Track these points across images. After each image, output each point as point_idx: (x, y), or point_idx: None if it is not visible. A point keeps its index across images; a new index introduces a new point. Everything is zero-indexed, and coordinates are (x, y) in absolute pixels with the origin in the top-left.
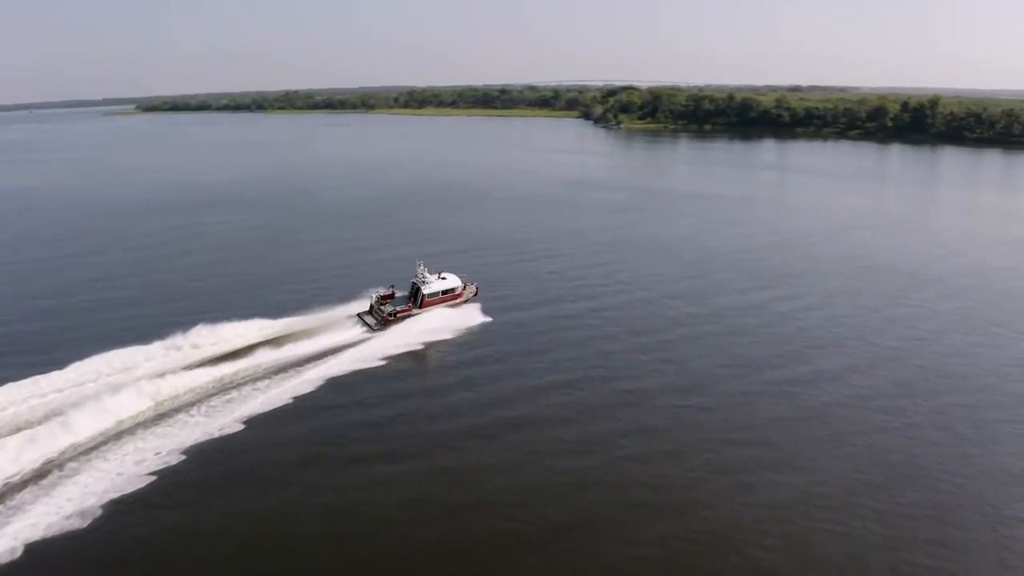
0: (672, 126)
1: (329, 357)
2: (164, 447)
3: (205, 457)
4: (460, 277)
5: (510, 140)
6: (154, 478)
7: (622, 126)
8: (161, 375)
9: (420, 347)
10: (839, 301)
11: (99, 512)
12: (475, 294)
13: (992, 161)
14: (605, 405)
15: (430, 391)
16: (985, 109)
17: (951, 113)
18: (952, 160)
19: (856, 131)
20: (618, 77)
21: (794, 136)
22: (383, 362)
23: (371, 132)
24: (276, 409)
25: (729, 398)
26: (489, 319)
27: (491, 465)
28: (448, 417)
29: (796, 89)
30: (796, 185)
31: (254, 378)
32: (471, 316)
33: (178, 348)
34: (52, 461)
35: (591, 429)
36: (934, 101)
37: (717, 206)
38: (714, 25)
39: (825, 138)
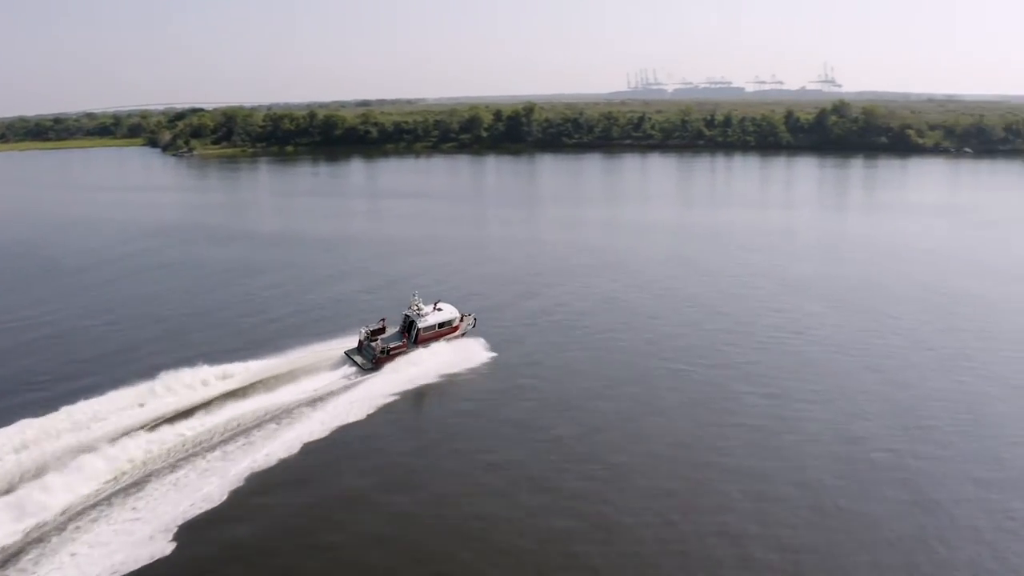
0: (251, 150)
1: (317, 404)
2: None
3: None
4: (457, 307)
5: (72, 178)
6: None
7: (195, 152)
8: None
9: (420, 390)
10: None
11: None
12: (473, 326)
13: (593, 166)
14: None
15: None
16: (582, 114)
17: (547, 120)
18: (554, 168)
19: (450, 144)
20: (182, 100)
21: (385, 153)
22: (378, 409)
23: None
24: (269, 469)
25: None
26: (494, 354)
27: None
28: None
29: (365, 103)
30: (424, 215)
31: (244, 430)
32: (472, 351)
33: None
34: None
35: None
36: (529, 109)
37: (349, 251)
38: (269, 43)
39: (418, 153)
